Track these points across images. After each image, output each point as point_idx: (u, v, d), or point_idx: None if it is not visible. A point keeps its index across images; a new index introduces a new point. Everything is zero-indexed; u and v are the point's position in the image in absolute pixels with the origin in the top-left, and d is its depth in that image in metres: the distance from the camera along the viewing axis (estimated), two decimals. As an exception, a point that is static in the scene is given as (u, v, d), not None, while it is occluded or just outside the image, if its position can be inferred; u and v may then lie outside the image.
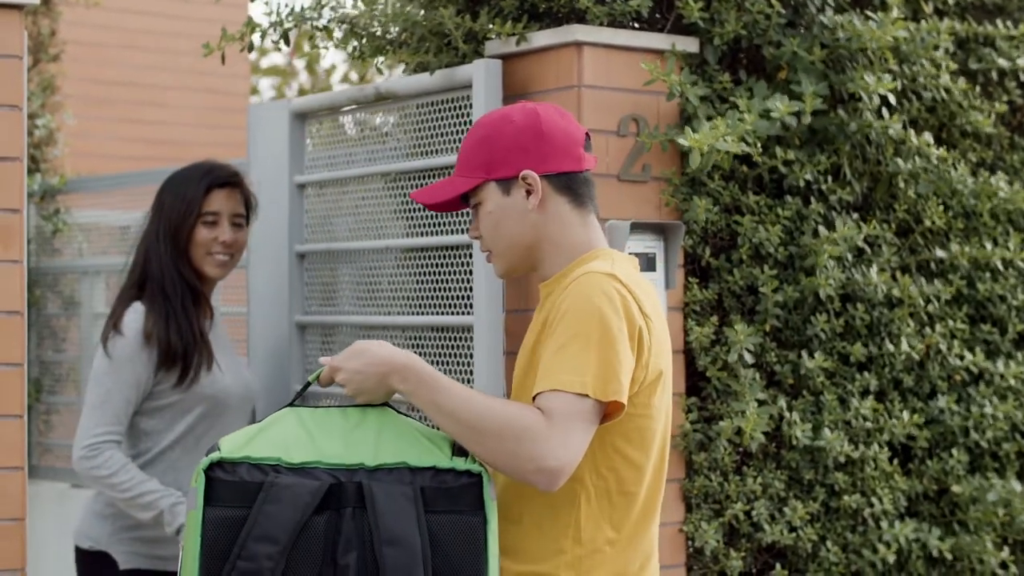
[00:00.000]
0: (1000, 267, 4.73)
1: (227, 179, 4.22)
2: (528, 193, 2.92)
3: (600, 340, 2.75)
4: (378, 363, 2.80)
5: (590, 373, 2.73)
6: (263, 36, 4.59)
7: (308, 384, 2.92)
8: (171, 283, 4.14)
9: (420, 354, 4.41)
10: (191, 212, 4.16)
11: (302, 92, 20.02)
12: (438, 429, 2.83)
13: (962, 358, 4.65)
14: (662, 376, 2.89)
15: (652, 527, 2.95)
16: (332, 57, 22.88)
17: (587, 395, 2.72)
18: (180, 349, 4.09)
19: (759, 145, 4.13)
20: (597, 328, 2.76)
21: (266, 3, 4.67)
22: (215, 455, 2.71)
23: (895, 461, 4.51)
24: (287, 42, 4.61)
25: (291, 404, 2.85)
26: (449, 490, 2.72)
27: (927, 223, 4.60)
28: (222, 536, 2.67)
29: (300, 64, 19.95)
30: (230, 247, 4.20)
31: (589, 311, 2.77)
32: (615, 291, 2.80)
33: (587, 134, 3.00)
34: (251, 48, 4.59)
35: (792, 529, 4.33)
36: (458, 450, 2.77)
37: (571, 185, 2.95)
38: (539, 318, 2.94)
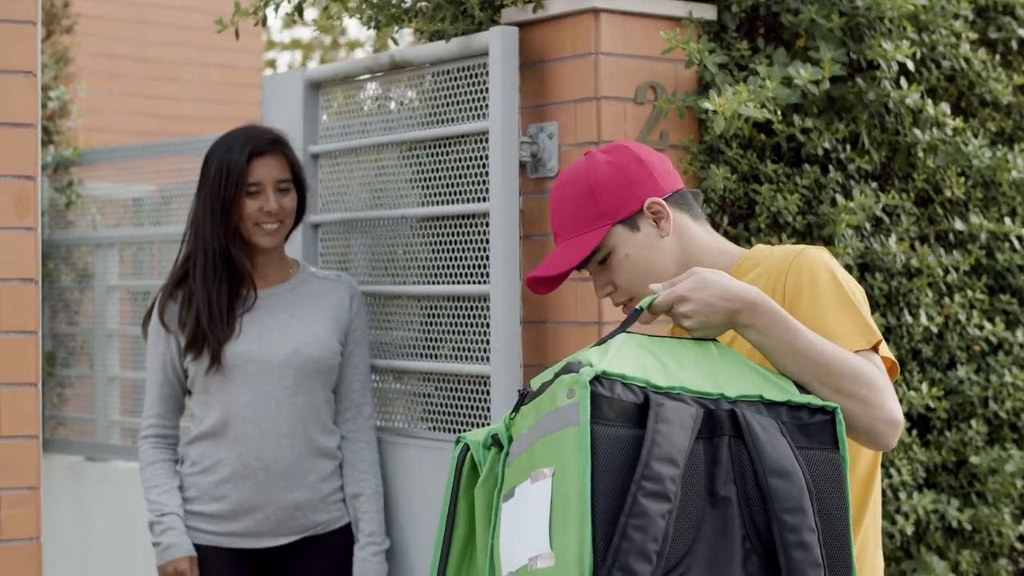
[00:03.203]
0: (1020, 237, 4.70)
1: (266, 147, 4.19)
2: (657, 221, 2.88)
3: (861, 304, 2.75)
4: (731, 298, 2.63)
5: (874, 334, 2.72)
6: (277, 8, 4.56)
7: (639, 310, 2.69)
8: (212, 267, 4.16)
9: (437, 323, 4.39)
10: (236, 186, 4.14)
11: (324, 62, 19.97)
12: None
13: (981, 328, 4.63)
14: None
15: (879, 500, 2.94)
16: (354, 32, 22.81)
17: (884, 357, 2.72)
18: (206, 333, 4.14)
19: (779, 113, 4.10)
20: (852, 293, 2.76)
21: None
22: (592, 369, 2.45)
23: (914, 432, 4.49)
24: (301, 14, 4.59)
25: (622, 331, 2.64)
26: (806, 426, 2.57)
27: (946, 193, 4.57)
28: (616, 455, 2.42)
29: (315, 34, 19.88)
30: (276, 215, 4.18)
31: (835, 277, 2.76)
32: (838, 263, 2.82)
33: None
34: (264, 22, 4.57)
35: (810, 500, 4.31)
36: (801, 390, 2.63)
37: (684, 201, 2.94)
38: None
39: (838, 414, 2.58)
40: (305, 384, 4.21)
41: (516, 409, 2.57)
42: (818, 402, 2.58)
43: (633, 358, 2.54)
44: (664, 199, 2.89)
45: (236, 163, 4.14)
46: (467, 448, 2.66)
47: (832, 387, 2.62)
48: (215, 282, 4.15)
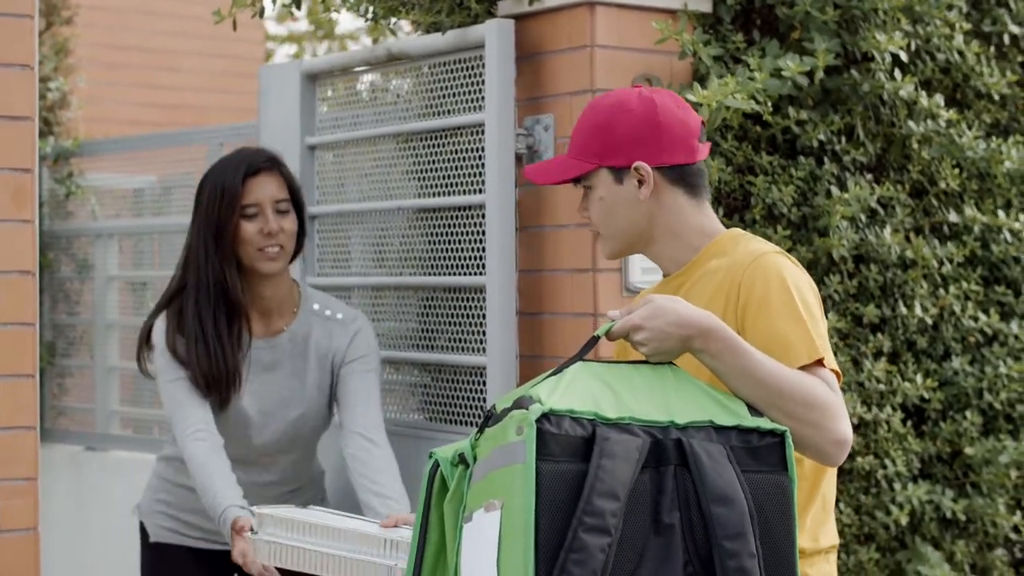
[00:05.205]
0: (1012, 231, 4.71)
1: (261, 165, 3.99)
2: (640, 184, 2.91)
3: (811, 315, 2.79)
4: (684, 324, 2.68)
5: (822, 345, 2.76)
6: (275, 0, 4.57)
7: (596, 338, 2.75)
8: (206, 298, 3.95)
9: (433, 315, 4.41)
10: (231, 207, 3.92)
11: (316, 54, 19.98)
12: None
13: (976, 320, 4.64)
14: None
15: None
16: (351, 23, 22.80)
17: (831, 369, 2.76)
18: (211, 378, 3.92)
19: (770, 104, 4.11)
20: (804, 304, 2.79)
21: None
22: (539, 407, 2.52)
23: (908, 423, 4.51)
24: (299, 6, 4.60)
25: (579, 358, 2.68)
26: (755, 449, 2.62)
27: (941, 185, 4.58)
28: (559, 491, 2.49)
29: (307, 26, 19.90)
30: (276, 236, 3.95)
31: (787, 289, 2.80)
32: (798, 269, 2.86)
33: (702, 122, 2.98)
34: (262, 13, 4.58)
35: (804, 490, 4.32)
36: (753, 412, 2.68)
37: (685, 176, 2.95)
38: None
39: (787, 437, 2.63)
40: (299, 442, 4.12)
41: (481, 430, 2.62)
42: (768, 425, 2.63)
43: (585, 389, 2.61)
44: (658, 168, 2.91)
45: (231, 184, 3.93)
46: (438, 464, 2.71)
47: (783, 411, 2.67)
48: (210, 317, 3.93)
